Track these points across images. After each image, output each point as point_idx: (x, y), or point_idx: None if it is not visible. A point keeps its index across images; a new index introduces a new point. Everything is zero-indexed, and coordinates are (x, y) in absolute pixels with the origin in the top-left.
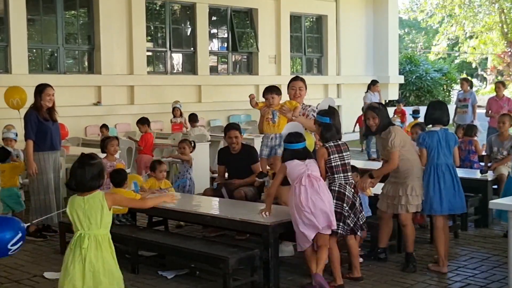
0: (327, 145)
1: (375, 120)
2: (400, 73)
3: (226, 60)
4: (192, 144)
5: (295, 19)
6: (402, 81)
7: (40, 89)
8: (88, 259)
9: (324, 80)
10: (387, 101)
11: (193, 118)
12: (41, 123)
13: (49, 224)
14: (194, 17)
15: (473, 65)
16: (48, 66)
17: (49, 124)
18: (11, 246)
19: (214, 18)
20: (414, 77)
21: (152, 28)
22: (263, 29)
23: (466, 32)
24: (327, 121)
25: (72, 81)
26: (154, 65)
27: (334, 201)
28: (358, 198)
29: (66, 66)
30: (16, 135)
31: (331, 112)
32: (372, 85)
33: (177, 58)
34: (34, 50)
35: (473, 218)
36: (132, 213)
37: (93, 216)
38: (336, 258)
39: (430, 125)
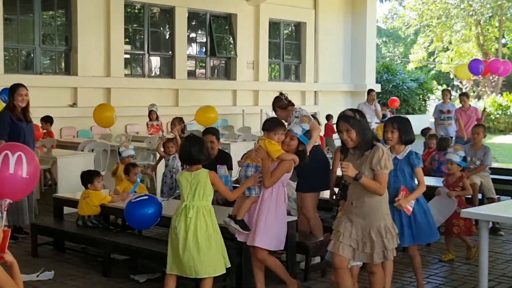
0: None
1: (350, 134)
2: (377, 82)
3: (204, 64)
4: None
5: (274, 26)
6: (379, 90)
7: (13, 89)
8: (192, 227)
9: (301, 87)
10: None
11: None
12: (14, 123)
13: (20, 225)
14: (173, 21)
15: (451, 76)
16: (24, 66)
17: (23, 124)
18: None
19: (193, 22)
20: (391, 86)
21: (131, 30)
22: (242, 34)
23: (444, 44)
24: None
25: (48, 82)
26: (132, 68)
27: (340, 192)
28: None
29: (42, 66)
30: None
31: None
32: (367, 95)
33: (155, 62)
34: (10, 50)
35: None
36: (105, 215)
37: (197, 191)
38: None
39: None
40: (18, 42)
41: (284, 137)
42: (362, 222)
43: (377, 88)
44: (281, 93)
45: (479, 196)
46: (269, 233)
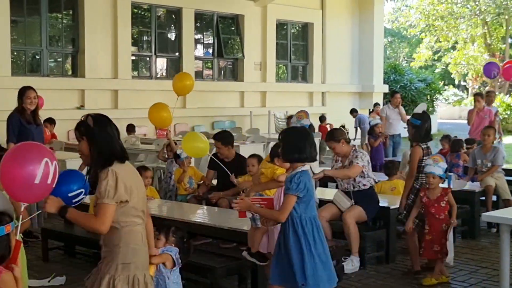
0: (422, 146)
1: (80, 146)
2: (384, 82)
3: (211, 65)
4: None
5: (281, 26)
6: (387, 90)
7: (22, 92)
8: None
9: (309, 88)
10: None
11: (130, 129)
12: (23, 126)
13: (30, 230)
14: (180, 22)
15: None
16: (31, 68)
17: (32, 127)
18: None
19: (200, 23)
20: (398, 86)
21: (138, 32)
22: (249, 35)
23: (450, 43)
24: (418, 123)
25: (55, 84)
26: (139, 70)
27: (412, 196)
28: None
29: (49, 68)
30: None
31: (424, 117)
32: (391, 97)
33: (162, 63)
34: (17, 52)
35: (460, 230)
36: None
37: None
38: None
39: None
40: (25, 44)
41: None
42: (100, 267)
43: (385, 88)
44: (343, 126)
45: (494, 198)
46: None
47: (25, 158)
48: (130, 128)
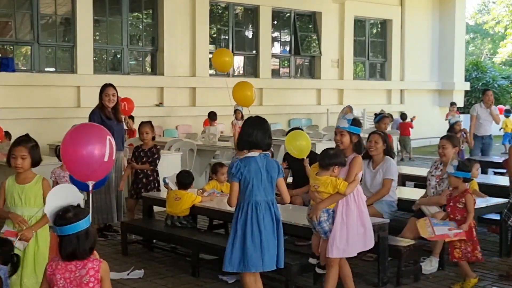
0: None
1: None
2: (466, 80)
3: (288, 63)
4: None
5: (359, 23)
6: (468, 88)
7: (101, 89)
8: None
9: (387, 86)
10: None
11: (211, 116)
12: (104, 122)
13: (110, 223)
14: (257, 20)
15: None
16: (112, 66)
17: (113, 123)
18: None
19: (277, 21)
20: (480, 84)
21: (215, 30)
22: (326, 32)
23: None
24: None
25: (135, 82)
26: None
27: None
28: None
29: (130, 67)
30: None
31: None
32: (482, 95)
33: (239, 61)
34: (99, 51)
35: None
36: (193, 215)
37: None
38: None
39: (246, 150)
40: (107, 43)
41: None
42: None
43: (466, 86)
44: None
45: None
46: (360, 239)
47: (90, 138)
48: (212, 116)
